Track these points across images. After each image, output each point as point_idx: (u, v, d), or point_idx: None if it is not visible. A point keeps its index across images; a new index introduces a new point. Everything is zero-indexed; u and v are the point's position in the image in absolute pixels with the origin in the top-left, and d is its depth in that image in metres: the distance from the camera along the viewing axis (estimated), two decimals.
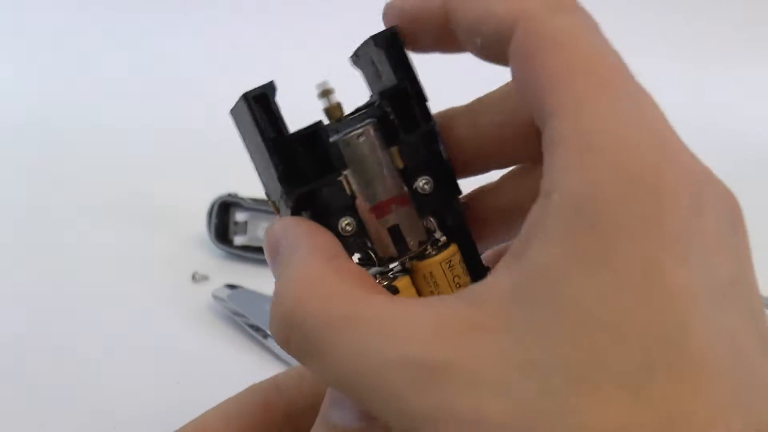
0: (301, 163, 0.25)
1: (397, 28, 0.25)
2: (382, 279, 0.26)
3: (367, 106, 0.26)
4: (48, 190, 0.62)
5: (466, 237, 0.27)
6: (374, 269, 0.26)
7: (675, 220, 0.19)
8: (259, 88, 0.24)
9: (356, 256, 0.26)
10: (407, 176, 0.26)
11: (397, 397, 0.19)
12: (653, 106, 0.21)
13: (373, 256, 0.26)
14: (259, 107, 0.24)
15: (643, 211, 0.19)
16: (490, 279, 0.20)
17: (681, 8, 0.91)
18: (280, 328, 0.22)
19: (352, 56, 0.27)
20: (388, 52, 0.26)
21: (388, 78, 0.26)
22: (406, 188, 0.26)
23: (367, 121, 0.26)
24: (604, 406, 0.18)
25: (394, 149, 0.26)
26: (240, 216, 0.58)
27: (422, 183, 0.26)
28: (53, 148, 0.63)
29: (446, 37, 0.24)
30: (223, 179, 0.58)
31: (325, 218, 0.25)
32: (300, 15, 0.78)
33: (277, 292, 0.22)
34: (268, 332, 0.46)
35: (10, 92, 0.66)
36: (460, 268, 0.26)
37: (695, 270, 0.19)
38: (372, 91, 0.27)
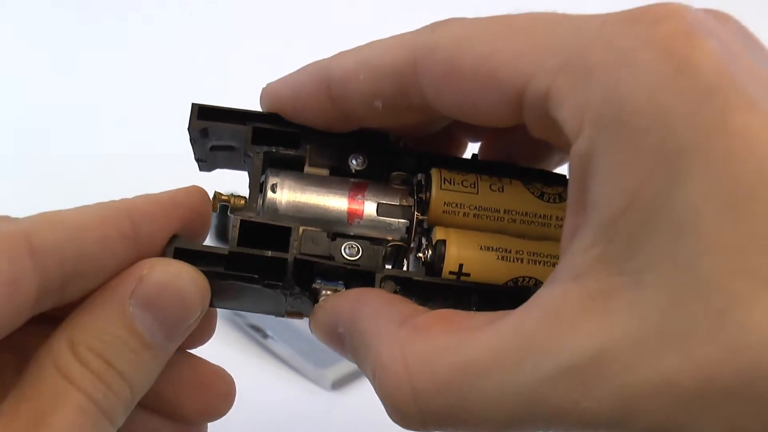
0: (265, 257, 0.23)
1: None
2: (426, 249, 0.25)
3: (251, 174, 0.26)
4: (47, 191, 0.62)
5: (432, 156, 0.26)
6: (411, 252, 0.25)
7: (714, 77, 0.17)
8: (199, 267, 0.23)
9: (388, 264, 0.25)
10: (341, 171, 0.25)
11: (569, 411, 0.18)
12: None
13: (400, 243, 0.25)
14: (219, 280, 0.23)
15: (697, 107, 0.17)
16: (576, 246, 0.19)
17: None
18: (411, 419, 0.20)
19: (200, 165, 0.28)
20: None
21: (234, 134, 0.26)
22: (351, 179, 0.25)
23: (263, 175, 0.25)
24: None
25: (307, 169, 0.25)
26: None
27: (354, 162, 0.26)
28: (52, 149, 0.63)
29: (328, 115, 0.24)
30: (223, 179, 0.58)
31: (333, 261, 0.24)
32: (291, 15, 0.78)
33: (382, 389, 0.20)
34: (268, 332, 0.46)
35: (10, 93, 0.66)
36: (458, 176, 0.25)
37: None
38: (235, 168, 0.27)
